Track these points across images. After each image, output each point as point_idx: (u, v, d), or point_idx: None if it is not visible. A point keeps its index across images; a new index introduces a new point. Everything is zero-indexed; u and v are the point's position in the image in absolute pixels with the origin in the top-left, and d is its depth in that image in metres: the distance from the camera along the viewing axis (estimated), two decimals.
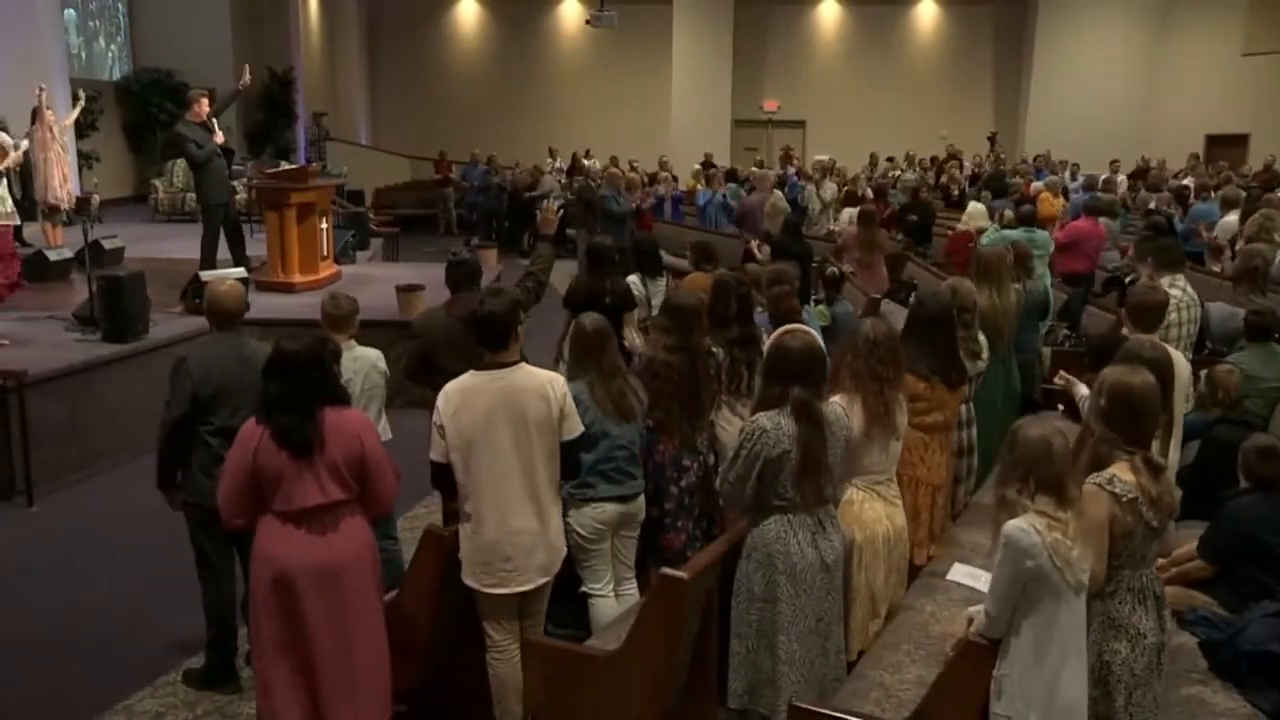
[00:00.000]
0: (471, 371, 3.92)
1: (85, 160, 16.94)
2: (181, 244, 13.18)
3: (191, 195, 16.44)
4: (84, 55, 18.73)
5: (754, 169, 16.56)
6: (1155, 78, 23.40)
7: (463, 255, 5.70)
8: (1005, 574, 3.10)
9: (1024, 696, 3.09)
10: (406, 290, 9.13)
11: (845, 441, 3.81)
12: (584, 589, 4.50)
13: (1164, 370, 4.05)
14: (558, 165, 21.25)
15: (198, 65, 19.52)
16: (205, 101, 9.78)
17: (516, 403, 3.85)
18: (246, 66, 10.43)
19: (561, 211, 17.00)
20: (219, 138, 9.75)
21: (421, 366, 5.37)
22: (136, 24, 20.28)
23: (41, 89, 12.02)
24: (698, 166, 18.95)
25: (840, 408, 3.84)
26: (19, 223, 8.06)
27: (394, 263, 14.54)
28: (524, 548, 3.91)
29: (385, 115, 26.78)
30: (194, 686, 4.75)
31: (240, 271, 9.36)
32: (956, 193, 17.35)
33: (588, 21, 21.19)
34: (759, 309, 5.74)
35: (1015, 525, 3.09)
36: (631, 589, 4.61)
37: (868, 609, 4.10)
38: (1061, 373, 5.20)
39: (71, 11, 18.03)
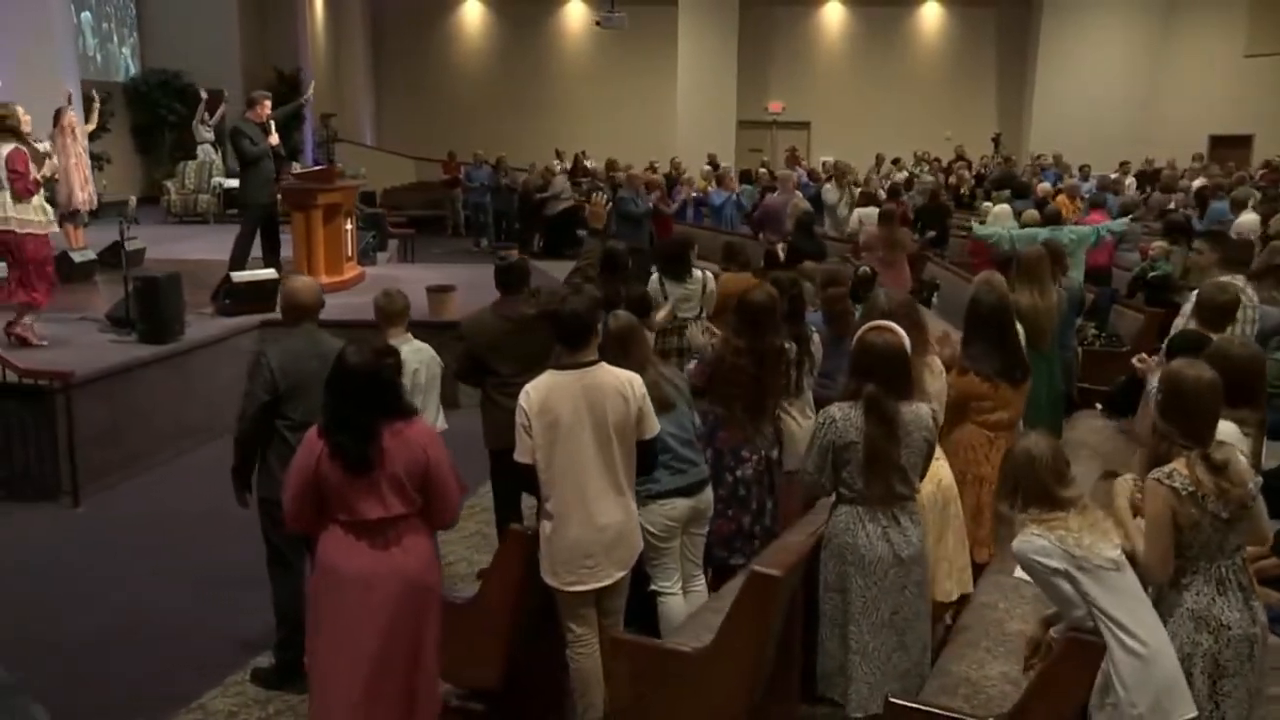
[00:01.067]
0: (551, 370, 3.95)
1: (96, 162, 16.93)
2: (197, 245, 13.24)
3: (204, 196, 16.54)
4: (99, 58, 18.70)
5: (780, 169, 16.57)
6: (1158, 78, 23.50)
7: (512, 258, 5.71)
8: (1043, 584, 3.23)
9: (1126, 684, 3.12)
10: (438, 291, 9.14)
11: (925, 442, 3.83)
12: (653, 587, 4.52)
13: (1254, 368, 4.08)
14: (565, 167, 21.24)
15: (206, 66, 19.58)
16: (267, 104, 9.82)
17: (598, 401, 3.88)
18: (311, 82, 10.45)
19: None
20: (273, 139, 9.79)
21: (471, 367, 5.42)
22: (145, 25, 20.28)
23: (70, 93, 12.03)
24: (708, 168, 18.97)
25: (927, 409, 3.87)
26: (57, 229, 8.03)
27: (412, 264, 14.56)
28: (604, 544, 3.95)
29: (390, 116, 26.77)
30: (263, 685, 4.76)
31: (271, 273, 9.39)
32: (966, 194, 17.44)
33: (597, 23, 21.27)
34: (811, 309, 5.78)
35: (1018, 542, 3.23)
36: (701, 586, 4.65)
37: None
38: (1142, 355, 5.25)
39: (87, 14, 18.02)
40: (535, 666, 4.22)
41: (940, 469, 4.22)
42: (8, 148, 7.55)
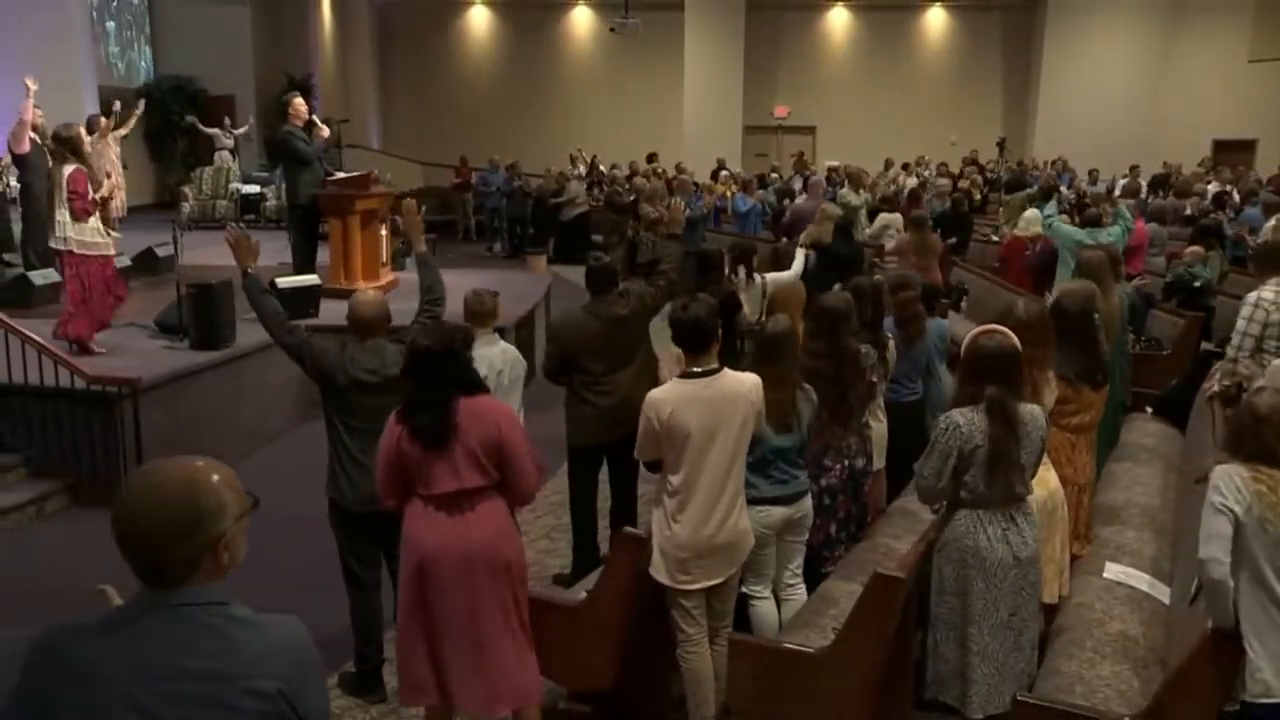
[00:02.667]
0: (677, 378, 4.03)
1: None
2: (219, 250, 13.18)
3: (222, 202, 16.57)
4: (121, 65, 18.75)
5: (787, 172, 16.69)
6: (1162, 83, 23.74)
7: (603, 259, 5.82)
8: (1209, 513, 3.34)
9: (1257, 648, 3.22)
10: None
11: (1041, 441, 3.92)
12: (744, 589, 4.59)
13: None
14: (579, 172, 21.28)
15: (218, 73, 19.65)
16: (300, 102, 9.88)
17: (724, 410, 3.97)
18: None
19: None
20: (324, 133, 9.87)
21: (561, 366, 5.54)
22: (157, 32, 20.33)
23: (116, 102, 12.07)
24: (726, 173, 19.08)
25: (1040, 409, 3.96)
26: (111, 251, 8.04)
27: (444, 269, 14.51)
28: (719, 544, 4.03)
29: (396, 121, 26.82)
30: (346, 691, 4.82)
31: (314, 279, 9.44)
32: (978, 199, 17.59)
33: (611, 28, 21.35)
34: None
35: (1221, 469, 3.38)
36: (799, 594, 4.69)
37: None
38: (1237, 358, 5.37)
39: (112, 23, 18.06)
40: (643, 668, 4.28)
41: (1048, 473, 4.31)
42: (69, 168, 7.58)
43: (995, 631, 3.81)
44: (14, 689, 1.86)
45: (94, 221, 7.73)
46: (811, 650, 3.83)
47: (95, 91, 16.29)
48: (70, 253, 7.65)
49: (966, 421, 3.76)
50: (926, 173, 19.71)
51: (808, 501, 4.62)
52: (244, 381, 8.13)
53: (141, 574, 1.87)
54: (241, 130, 17.96)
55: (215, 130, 17.43)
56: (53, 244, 7.72)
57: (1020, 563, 3.83)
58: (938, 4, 25.79)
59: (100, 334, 8.09)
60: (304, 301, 9.10)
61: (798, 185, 18.71)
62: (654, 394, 4.03)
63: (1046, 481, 4.28)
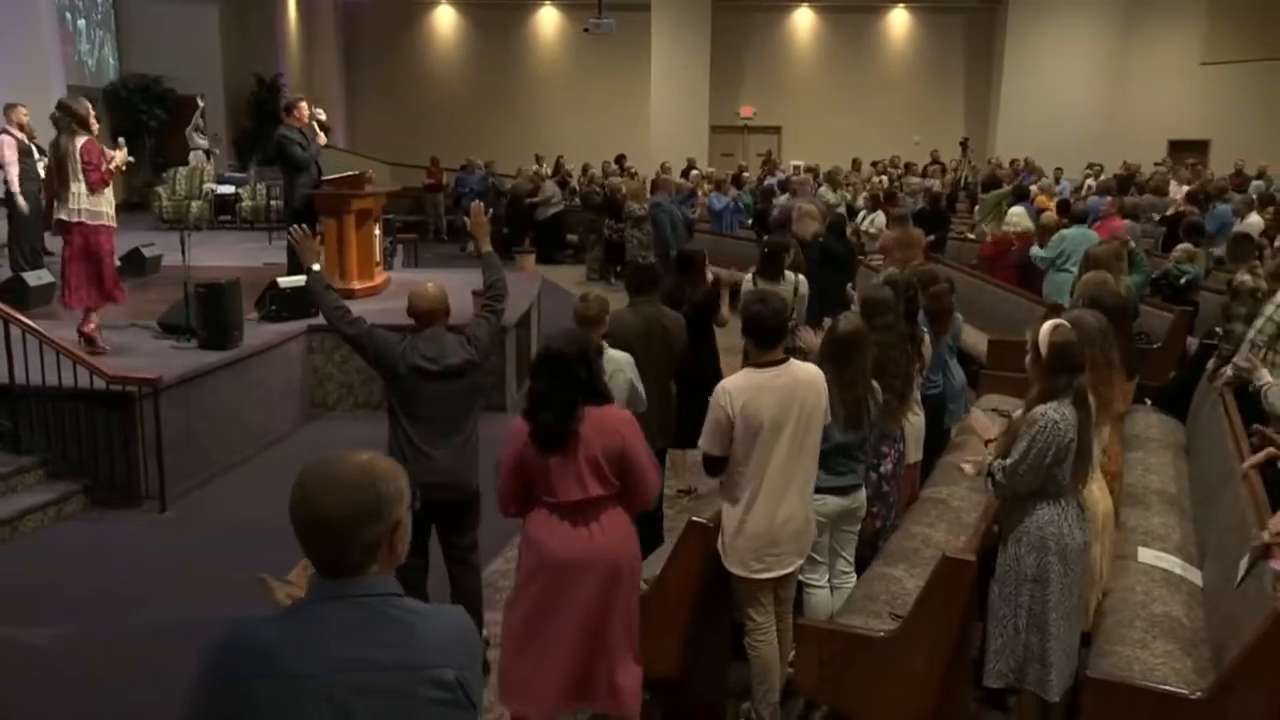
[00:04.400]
0: (748, 369, 4.12)
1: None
2: (199, 252, 13.09)
3: (196, 203, 16.42)
4: (93, 63, 18.51)
5: (783, 174, 16.87)
6: (1119, 85, 24.21)
7: (649, 260, 5.92)
8: None
9: None
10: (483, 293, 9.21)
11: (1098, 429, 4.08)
12: (800, 578, 4.69)
13: None
14: (544, 171, 21.31)
15: (185, 72, 19.43)
16: (304, 105, 9.84)
17: (795, 398, 4.07)
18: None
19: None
20: (322, 139, 9.83)
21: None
22: (123, 30, 20.03)
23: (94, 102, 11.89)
24: (696, 172, 19.21)
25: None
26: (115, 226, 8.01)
27: (422, 269, 14.54)
28: (790, 533, 4.13)
29: (362, 121, 26.63)
30: None
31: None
32: (944, 198, 17.85)
33: (585, 29, 21.39)
34: None
35: None
36: (850, 581, 4.81)
37: (1093, 587, 4.37)
38: (1249, 355, 5.52)
39: (83, 21, 17.83)
40: (704, 656, 4.37)
41: (1106, 494, 4.47)
42: (81, 140, 7.54)
43: (1068, 616, 3.95)
44: (200, 684, 1.88)
45: (108, 193, 7.70)
46: (880, 634, 3.94)
47: (65, 91, 16.02)
48: (81, 223, 7.59)
49: (1062, 417, 3.87)
50: (896, 171, 19.97)
51: (862, 493, 4.75)
52: (250, 382, 8.11)
53: (323, 563, 1.91)
54: (204, 143, 17.83)
55: (189, 130, 17.28)
56: (64, 216, 7.62)
57: (1088, 548, 3.99)
58: (901, 5, 26.10)
59: (104, 333, 8.01)
60: (304, 301, 9.06)
61: (772, 184, 18.94)
62: (726, 383, 4.11)
63: (1099, 497, 4.43)
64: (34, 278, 9.26)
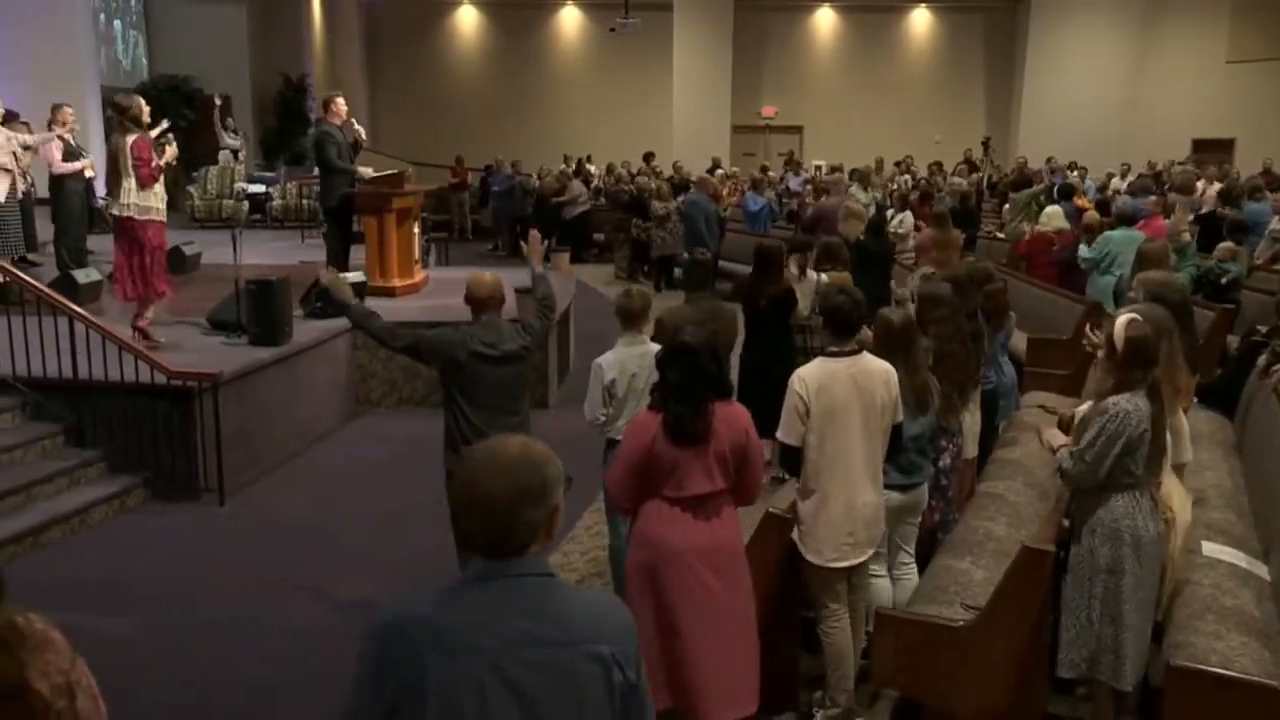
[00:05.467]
0: (822, 359, 4.20)
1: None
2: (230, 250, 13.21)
3: (228, 201, 16.54)
4: (128, 63, 18.67)
5: (828, 175, 16.94)
6: (1142, 83, 24.18)
7: (706, 256, 5.99)
8: None
9: None
10: (527, 293, 9.28)
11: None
12: None
13: None
14: (563, 170, 21.34)
15: (214, 72, 19.57)
16: (340, 101, 9.94)
17: (868, 387, 4.15)
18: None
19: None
20: (361, 135, 9.94)
21: None
22: (153, 31, 20.20)
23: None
24: (721, 171, 19.27)
25: None
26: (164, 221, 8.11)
27: (453, 266, 14.61)
28: (864, 522, 4.21)
29: (385, 120, 26.71)
30: None
31: (360, 275, 9.50)
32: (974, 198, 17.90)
33: (611, 29, 21.49)
34: None
35: None
36: (911, 572, 4.89)
37: (1166, 578, 4.41)
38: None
39: (119, 22, 17.98)
40: (780, 646, 4.43)
41: (1179, 489, 4.51)
42: (132, 137, 7.64)
43: (1142, 607, 3.99)
44: (371, 662, 1.94)
45: (159, 188, 7.80)
46: (959, 623, 3.99)
47: (98, 90, 16.22)
48: (131, 218, 7.70)
49: (1135, 408, 3.91)
50: (918, 173, 20.02)
51: (924, 488, 4.82)
52: (298, 378, 8.20)
53: (488, 543, 1.97)
54: (234, 142, 17.95)
55: (219, 129, 17.40)
56: (115, 211, 7.74)
57: (1161, 539, 4.04)
58: (922, 5, 26.13)
59: (154, 329, 8.11)
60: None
61: (794, 184, 19.02)
62: (800, 372, 4.19)
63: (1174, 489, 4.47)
64: (83, 275, 9.37)
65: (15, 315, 6.99)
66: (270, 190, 16.97)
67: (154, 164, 7.70)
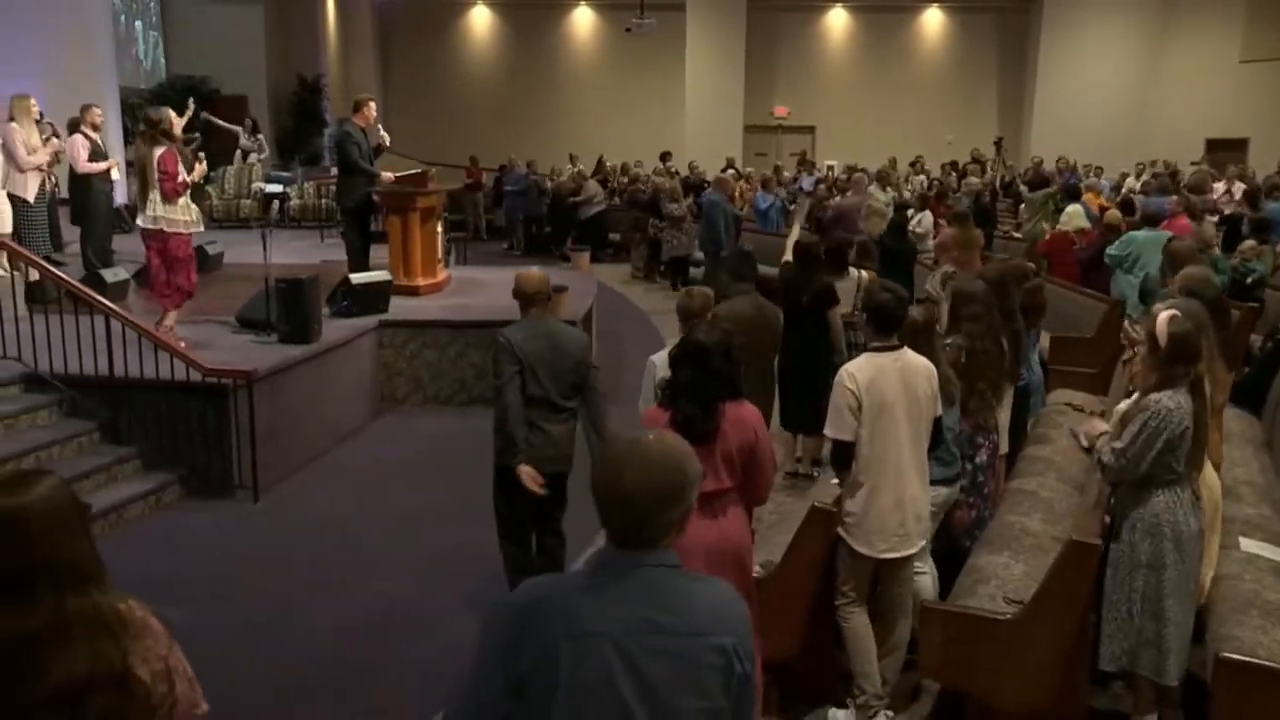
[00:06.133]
0: (868, 354, 4.26)
1: (131, 167, 16.97)
2: (252, 249, 13.27)
3: (246, 201, 16.62)
4: (148, 64, 18.78)
5: (843, 174, 16.99)
6: (1155, 83, 24.14)
7: (746, 248, 6.05)
8: None
9: None
10: (555, 291, 9.34)
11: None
12: None
13: None
14: (582, 169, 21.40)
15: (231, 73, 19.65)
16: (373, 105, 9.99)
17: (912, 382, 4.21)
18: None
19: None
20: (386, 140, 10.01)
21: None
22: (170, 32, 20.28)
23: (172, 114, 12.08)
24: (734, 171, 19.29)
25: None
26: (201, 229, 8.18)
27: (472, 266, 14.65)
28: (914, 514, 4.27)
29: (398, 121, 26.70)
30: None
31: (385, 275, 9.55)
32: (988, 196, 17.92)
33: (628, 29, 21.55)
34: None
35: None
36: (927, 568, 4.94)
37: (1206, 573, 4.45)
38: None
39: (139, 23, 18.07)
40: (822, 638, 4.47)
41: (1216, 480, 4.55)
42: (160, 150, 7.70)
43: (1184, 601, 4.03)
44: (502, 643, 2.00)
45: (184, 200, 7.86)
46: (1005, 616, 4.02)
47: (116, 92, 16.28)
48: (160, 231, 7.77)
49: (1176, 405, 3.95)
50: (931, 174, 20.04)
51: (959, 483, 4.87)
52: (325, 377, 8.24)
53: (623, 535, 2.02)
54: (249, 143, 18.04)
55: (237, 128, 17.50)
56: (141, 223, 7.84)
57: (1202, 534, 4.07)
58: (935, 5, 26.15)
59: (182, 328, 8.16)
60: (375, 297, 9.23)
61: (806, 184, 19.04)
62: (848, 367, 4.26)
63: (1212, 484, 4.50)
64: (110, 275, 9.43)
65: (52, 314, 7.06)
66: (288, 190, 17.04)
67: (180, 179, 7.74)
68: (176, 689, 2.13)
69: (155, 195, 7.68)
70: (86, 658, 1.98)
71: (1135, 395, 4.36)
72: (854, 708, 4.40)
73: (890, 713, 4.39)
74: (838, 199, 13.81)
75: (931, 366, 4.30)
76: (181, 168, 7.80)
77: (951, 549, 5.10)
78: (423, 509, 6.86)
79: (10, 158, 9.49)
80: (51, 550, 1.98)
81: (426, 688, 4.78)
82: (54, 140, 10.34)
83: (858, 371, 4.19)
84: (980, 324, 5.06)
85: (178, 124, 8.13)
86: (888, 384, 4.16)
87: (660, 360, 5.20)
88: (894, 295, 4.27)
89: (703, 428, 3.69)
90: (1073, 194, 12.91)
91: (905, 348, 4.28)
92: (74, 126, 10.43)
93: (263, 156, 18.32)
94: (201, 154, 8.96)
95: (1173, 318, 4.09)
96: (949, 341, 5.10)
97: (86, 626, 2.00)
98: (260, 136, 18.18)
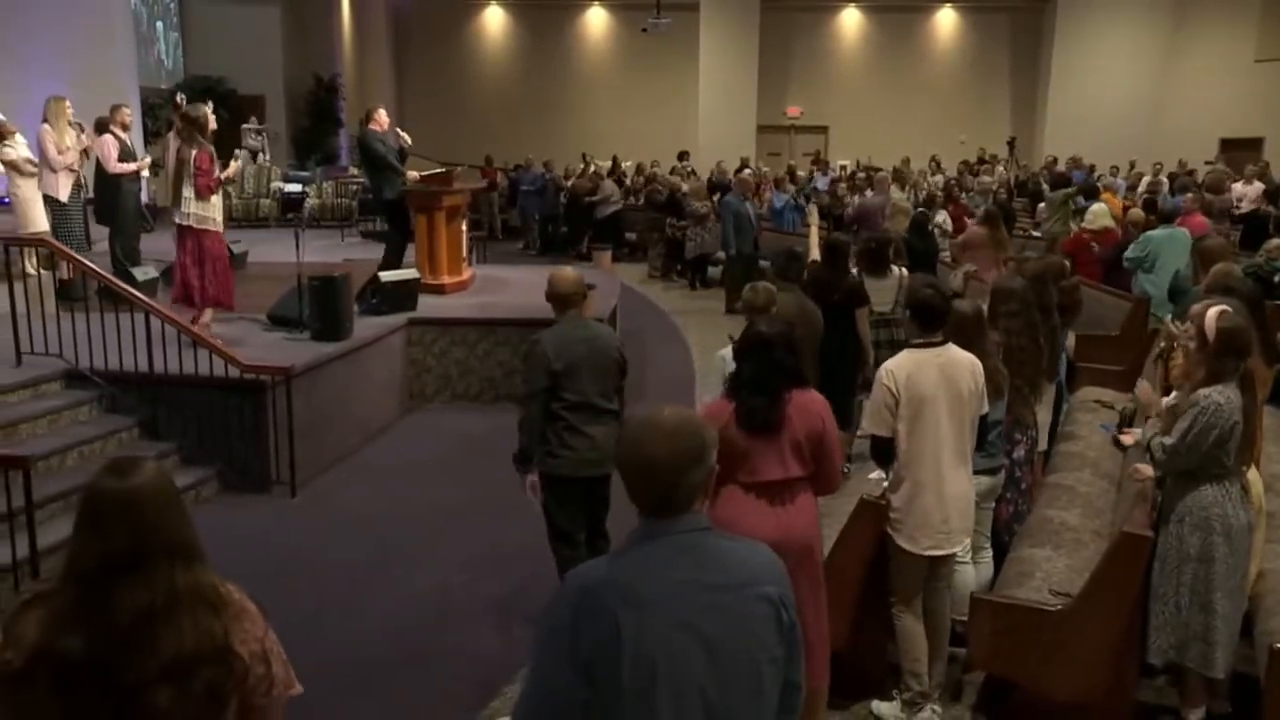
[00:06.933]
0: (909, 349, 4.29)
1: (151, 168, 17.05)
2: (273, 248, 13.34)
3: (265, 201, 16.69)
4: (170, 63, 18.86)
5: (876, 172, 17.02)
6: (1169, 83, 24.12)
7: (796, 251, 6.11)
8: None
9: None
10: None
11: None
12: None
13: None
14: (595, 169, 21.43)
15: (248, 73, 19.73)
16: (382, 112, 10.05)
17: (955, 378, 4.23)
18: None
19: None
20: (407, 140, 10.07)
21: None
22: (188, 32, 20.37)
23: (179, 103, 12.15)
24: (750, 170, 19.30)
25: None
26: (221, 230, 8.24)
27: (490, 265, 14.71)
28: (957, 511, 4.29)
29: (413, 120, 26.80)
30: None
31: (413, 273, 9.61)
32: (1004, 195, 17.94)
33: (644, 29, 21.61)
34: None
35: None
36: (988, 557, 4.98)
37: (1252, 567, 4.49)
38: None
39: (160, 24, 18.16)
40: (871, 630, 4.51)
41: (1258, 478, 4.57)
42: (196, 148, 7.76)
43: (1232, 595, 4.07)
44: (564, 627, 2.03)
45: (215, 199, 7.92)
46: (1055, 607, 4.07)
47: (137, 92, 16.36)
48: (191, 228, 7.85)
49: (1226, 400, 3.98)
50: (947, 174, 20.06)
51: (1003, 473, 4.91)
52: (357, 374, 8.30)
53: (655, 504, 2.08)
54: (255, 142, 18.11)
55: (244, 127, 17.59)
56: (177, 219, 7.92)
57: (1251, 528, 4.11)
58: (948, 4, 26.17)
59: (215, 326, 8.21)
60: (404, 295, 9.28)
61: (821, 184, 19.08)
62: (889, 364, 4.29)
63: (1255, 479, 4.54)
64: (140, 273, 9.48)
65: (81, 310, 7.13)
66: (306, 190, 17.12)
67: (214, 177, 7.81)
68: (273, 668, 2.19)
69: (189, 192, 7.74)
70: (193, 632, 2.03)
71: (1175, 393, 4.41)
72: (900, 702, 4.44)
73: (937, 708, 4.42)
74: (857, 198, 13.83)
75: (977, 362, 4.32)
76: (215, 165, 7.88)
77: (993, 543, 5.16)
78: (457, 506, 6.91)
79: (43, 158, 9.55)
80: (162, 529, 2.04)
81: (475, 680, 4.83)
82: (81, 138, 10.39)
83: (896, 368, 4.23)
84: (1018, 321, 5.10)
85: (213, 121, 8.16)
86: (927, 380, 4.18)
87: (729, 355, 5.27)
88: (936, 292, 4.32)
89: (767, 417, 3.75)
90: (1089, 192, 12.92)
91: (950, 344, 4.31)
92: (103, 126, 10.47)
93: (266, 156, 18.37)
94: (236, 152, 8.98)
95: (1223, 313, 4.12)
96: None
97: (193, 601, 2.05)
98: (263, 135, 18.23)
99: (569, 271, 5.25)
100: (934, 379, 4.19)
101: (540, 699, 2.08)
